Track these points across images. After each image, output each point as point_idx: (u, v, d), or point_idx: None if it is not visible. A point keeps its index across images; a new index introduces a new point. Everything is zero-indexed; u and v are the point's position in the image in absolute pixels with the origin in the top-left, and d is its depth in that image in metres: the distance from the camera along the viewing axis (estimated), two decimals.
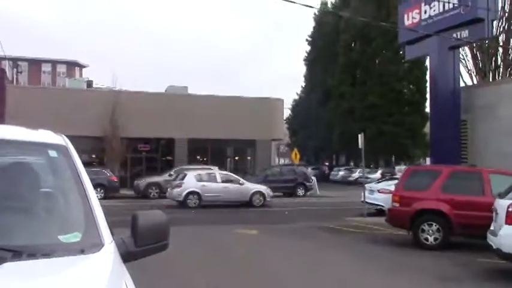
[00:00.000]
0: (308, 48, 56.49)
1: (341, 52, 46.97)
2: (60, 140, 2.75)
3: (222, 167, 30.90)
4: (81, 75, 68.95)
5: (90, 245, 2.10)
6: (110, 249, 2.14)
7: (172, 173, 26.89)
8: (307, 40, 56.26)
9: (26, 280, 1.77)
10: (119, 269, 2.05)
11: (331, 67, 48.53)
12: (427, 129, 45.66)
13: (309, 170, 35.42)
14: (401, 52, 41.35)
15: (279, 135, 38.30)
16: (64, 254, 1.98)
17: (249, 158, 36.63)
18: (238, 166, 36.44)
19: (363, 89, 44.42)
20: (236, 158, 37.10)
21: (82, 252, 2.03)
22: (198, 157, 33.96)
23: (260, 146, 34.71)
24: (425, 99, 42.40)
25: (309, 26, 55.93)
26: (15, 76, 42.58)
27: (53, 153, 2.62)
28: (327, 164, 55.81)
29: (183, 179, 21.65)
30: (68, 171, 2.52)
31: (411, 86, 45.36)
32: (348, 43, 47.18)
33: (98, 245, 2.12)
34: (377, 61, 45.62)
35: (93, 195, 2.41)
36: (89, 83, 40.09)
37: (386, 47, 44.26)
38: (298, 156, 33.13)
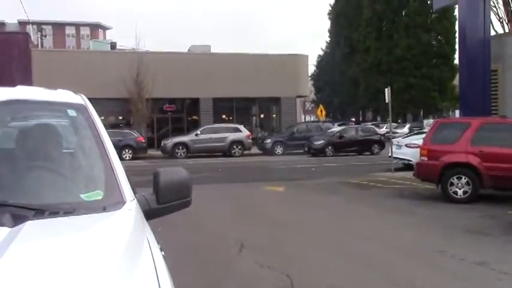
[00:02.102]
0: (332, 1, 55.25)
1: (366, 5, 45.76)
2: (79, 99, 2.73)
3: (247, 125, 30.96)
4: (104, 37, 69.09)
5: (111, 202, 2.09)
6: (131, 207, 2.13)
7: (198, 132, 27.07)
8: None
9: (47, 237, 1.77)
10: (140, 226, 2.04)
11: (356, 21, 47.47)
12: (456, 81, 44.70)
13: (335, 126, 35.17)
14: (429, 2, 40.27)
15: (304, 92, 37.95)
16: (86, 211, 1.97)
17: (274, 115, 36.52)
18: (263, 124, 36.44)
19: (389, 42, 43.45)
20: (261, 115, 37.02)
21: (104, 209, 2.02)
22: (224, 116, 34.02)
23: (285, 103, 34.51)
24: (454, 50, 41.28)
25: None
26: (39, 40, 42.91)
27: (72, 113, 2.60)
28: (353, 119, 55.32)
29: None
30: (87, 130, 2.50)
31: (440, 38, 44.18)
32: None
33: (119, 203, 2.10)
34: (403, 13, 44.36)
35: (114, 154, 2.39)
36: (113, 45, 40.14)
37: None
38: (323, 112, 32.91)
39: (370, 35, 45.11)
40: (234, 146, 26.91)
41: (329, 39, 57.93)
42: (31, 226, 1.76)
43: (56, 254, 1.62)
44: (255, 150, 27.76)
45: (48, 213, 1.89)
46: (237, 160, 24.74)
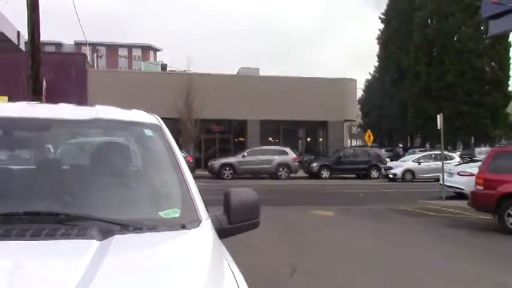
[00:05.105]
0: (381, 26, 54.94)
1: (416, 30, 45.25)
2: (154, 119, 2.82)
3: (293, 148, 30.93)
4: (155, 58, 70.86)
5: (189, 220, 2.13)
6: (207, 225, 2.17)
7: (245, 153, 27.20)
8: (380, 18, 54.69)
9: (135, 250, 1.84)
10: (218, 245, 2.07)
11: (406, 46, 46.95)
12: (510, 109, 43.32)
13: (383, 152, 34.67)
14: (482, 28, 39.46)
15: (351, 116, 37.70)
16: (166, 228, 2.03)
17: (320, 139, 36.37)
18: (310, 147, 36.30)
19: (440, 67, 42.64)
20: (308, 139, 36.93)
21: (183, 227, 2.06)
22: (270, 138, 34.12)
23: (332, 127, 34.35)
24: (509, 77, 40.22)
25: (383, 3, 54.28)
26: (95, 60, 44.50)
27: (148, 132, 2.69)
28: (401, 145, 54.25)
29: None
30: (163, 149, 2.57)
31: (493, 64, 43.06)
32: (423, 20, 45.36)
33: (195, 221, 2.15)
34: (455, 38, 43.57)
35: (188, 173, 2.45)
36: (163, 66, 41.20)
37: (465, 23, 42.20)
38: (372, 137, 32.51)
39: (420, 60, 44.44)
40: (281, 169, 26.86)
41: (377, 63, 57.48)
42: (119, 240, 1.81)
43: (149, 267, 1.68)
44: (301, 173, 27.63)
45: (132, 228, 1.95)
46: (283, 183, 24.68)
